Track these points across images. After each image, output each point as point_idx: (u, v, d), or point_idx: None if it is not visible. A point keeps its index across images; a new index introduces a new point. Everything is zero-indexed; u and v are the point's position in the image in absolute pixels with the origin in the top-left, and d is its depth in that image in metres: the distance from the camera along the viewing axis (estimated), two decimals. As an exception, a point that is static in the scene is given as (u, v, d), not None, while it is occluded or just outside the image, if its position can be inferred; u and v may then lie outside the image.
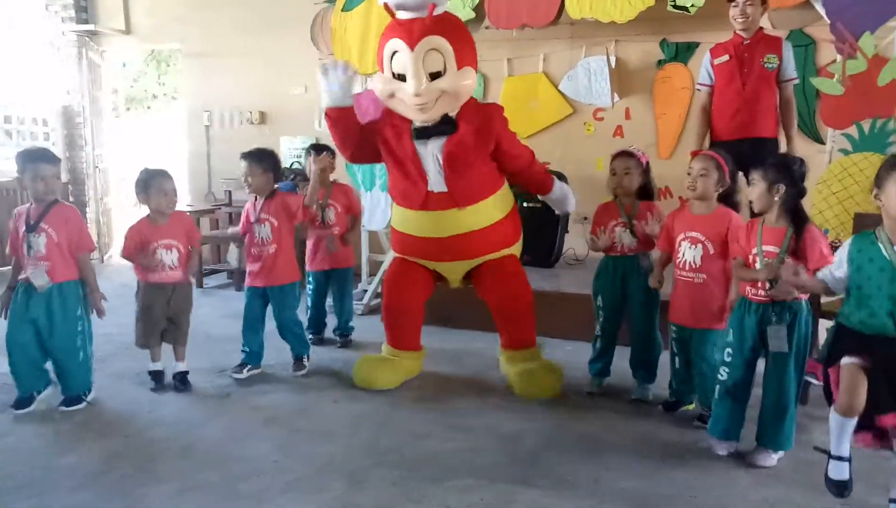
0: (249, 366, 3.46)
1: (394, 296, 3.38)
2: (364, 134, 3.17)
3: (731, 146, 3.71)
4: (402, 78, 2.98)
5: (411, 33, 2.92)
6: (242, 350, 3.48)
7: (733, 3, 3.66)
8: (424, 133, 3.05)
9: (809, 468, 2.40)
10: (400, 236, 3.34)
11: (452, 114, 3.07)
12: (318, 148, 3.96)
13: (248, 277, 3.48)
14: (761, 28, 3.76)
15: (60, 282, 2.97)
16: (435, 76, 2.95)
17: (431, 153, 3.05)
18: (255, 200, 3.44)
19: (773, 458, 2.48)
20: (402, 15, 3.00)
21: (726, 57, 3.74)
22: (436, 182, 3.07)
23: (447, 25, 3.01)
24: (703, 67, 3.94)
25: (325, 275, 4.00)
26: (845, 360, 2.13)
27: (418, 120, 3.06)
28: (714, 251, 2.73)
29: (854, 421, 2.12)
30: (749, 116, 3.73)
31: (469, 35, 3.14)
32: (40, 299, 2.94)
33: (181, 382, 3.31)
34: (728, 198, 2.88)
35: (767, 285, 2.40)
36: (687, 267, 2.79)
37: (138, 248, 3.21)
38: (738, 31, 3.71)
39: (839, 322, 2.22)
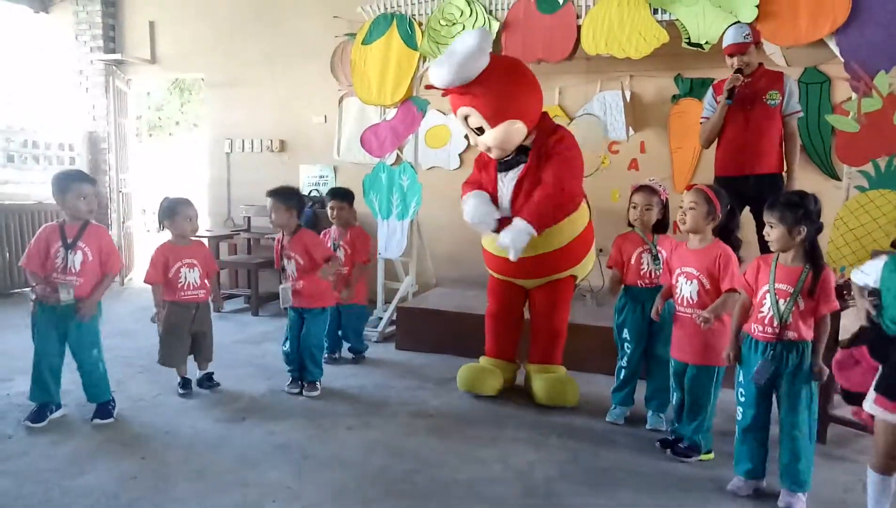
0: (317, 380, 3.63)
1: (496, 305, 3.66)
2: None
3: (736, 182, 3.74)
4: (479, 131, 3.37)
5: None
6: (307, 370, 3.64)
7: (730, 55, 3.75)
8: (505, 166, 3.41)
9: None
10: (486, 253, 3.65)
11: (527, 143, 3.36)
12: (336, 194, 4.21)
13: None
14: (761, 64, 3.83)
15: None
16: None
17: (508, 183, 3.37)
18: (283, 235, 3.58)
19: (802, 502, 2.42)
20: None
21: None
22: (505, 208, 3.36)
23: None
24: (706, 102, 4.04)
25: (336, 310, 4.08)
26: (880, 413, 2.09)
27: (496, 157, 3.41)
28: (710, 287, 2.73)
29: (893, 480, 2.10)
30: (753, 153, 3.77)
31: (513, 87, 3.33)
32: (69, 313, 3.03)
33: (208, 381, 3.60)
34: (729, 234, 2.85)
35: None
36: (685, 303, 2.79)
37: (163, 269, 3.39)
38: None
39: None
